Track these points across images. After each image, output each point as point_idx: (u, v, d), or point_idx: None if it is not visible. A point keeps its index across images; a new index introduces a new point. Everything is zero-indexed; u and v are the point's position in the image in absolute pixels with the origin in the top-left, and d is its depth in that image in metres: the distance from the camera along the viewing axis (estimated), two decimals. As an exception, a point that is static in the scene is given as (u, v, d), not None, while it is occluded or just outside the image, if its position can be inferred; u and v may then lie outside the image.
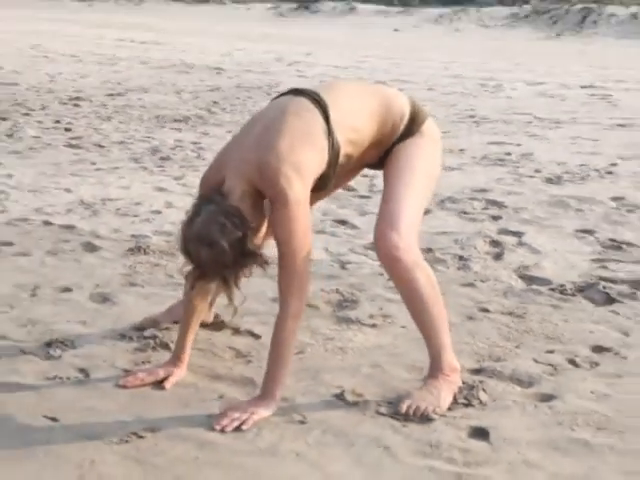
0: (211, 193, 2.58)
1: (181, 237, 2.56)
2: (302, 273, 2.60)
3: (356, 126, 2.70)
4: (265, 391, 2.65)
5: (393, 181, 2.75)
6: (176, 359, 2.89)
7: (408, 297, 2.76)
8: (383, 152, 2.82)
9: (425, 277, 2.71)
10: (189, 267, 2.63)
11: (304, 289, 2.64)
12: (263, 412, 2.60)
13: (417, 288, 2.70)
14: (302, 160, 2.56)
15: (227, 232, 2.48)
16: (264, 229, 2.69)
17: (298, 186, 2.54)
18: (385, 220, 2.69)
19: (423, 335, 2.82)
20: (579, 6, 35.14)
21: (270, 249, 2.73)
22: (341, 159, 2.69)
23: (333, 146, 2.64)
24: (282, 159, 2.52)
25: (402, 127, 2.78)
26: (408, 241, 2.67)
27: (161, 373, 2.84)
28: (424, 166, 2.78)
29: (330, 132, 2.63)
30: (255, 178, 2.56)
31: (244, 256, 2.53)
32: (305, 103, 2.66)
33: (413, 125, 2.79)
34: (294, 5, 43.01)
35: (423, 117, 2.83)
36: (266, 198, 2.60)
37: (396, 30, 34.57)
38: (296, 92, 2.74)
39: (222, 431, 2.51)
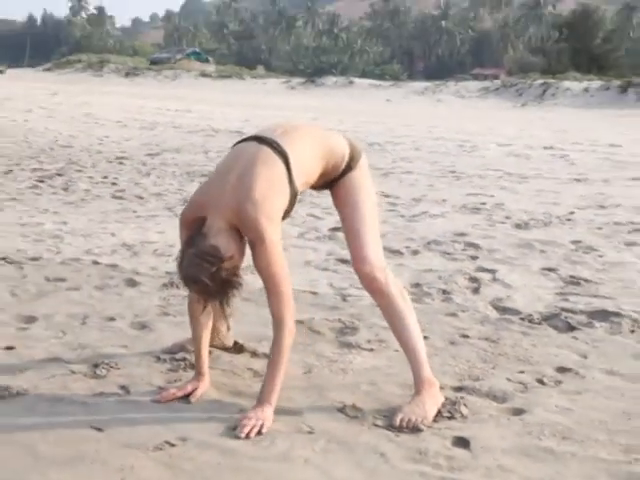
0: (193, 234, 2.66)
1: (178, 276, 2.69)
2: (287, 294, 2.66)
3: (308, 171, 2.78)
4: (263, 399, 2.65)
5: (348, 221, 2.88)
6: (198, 375, 2.88)
7: (387, 310, 2.85)
8: (324, 182, 2.90)
9: (397, 290, 2.85)
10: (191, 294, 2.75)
11: (292, 307, 2.68)
12: (269, 417, 2.60)
13: (392, 300, 2.83)
14: (273, 208, 2.64)
15: (204, 270, 2.56)
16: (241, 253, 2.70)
17: (272, 229, 2.62)
18: (356, 258, 2.84)
19: (404, 350, 2.85)
20: (540, 81, 35.44)
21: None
22: (298, 193, 2.77)
23: (292, 190, 2.71)
24: (258, 209, 2.59)
25: (343, 165, 2.87)
26: (377, 264, 2.82)
27: (189, 388, 2.83)
28: (366, 195, 2.90)
29: (291, 180, 2.70)
30: (234, 221, 2.62)
31: (223, 282, 2.60)
32: (270, 154, 2.70)
33: (352, 162, 2.88)
34: (302, 80, 43.41)
35: (358, 155, 2.92)
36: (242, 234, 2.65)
37: (388, 100, 34.82)
38: (259, 140, 2.76)
39: (247, 437, 2.50)
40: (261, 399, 2.65)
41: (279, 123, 2.94)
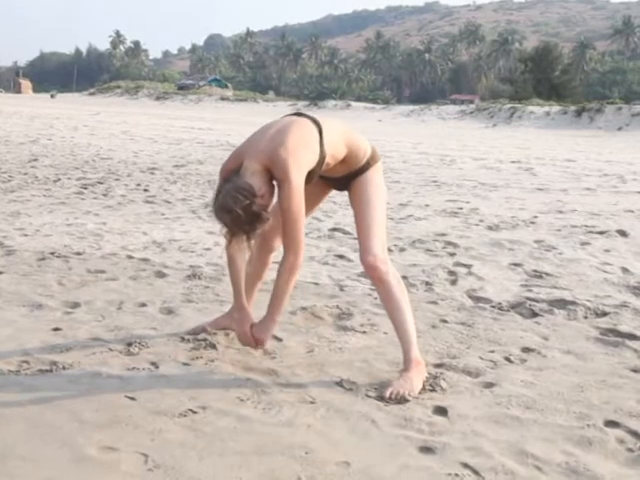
0: (230, 175, 2.64)
1: (212, 209, 2.64)
2: (299, 231, 2.64)
3: (336, 147, 2.77)
4: (267, 317, 2.74)
5: (360, 216, 2.84)
6: (239, 310, 2.86)
7: (385, 296, 2.81)
8: (347, 172, 2.86)
9: (396, 280, 2.81)
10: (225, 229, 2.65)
11: (299, 247, 2.65)
12: (269, 330, 2.74)
13: (390, 288, 2.78)
14: (302, 157, 2.63)
15: (239, 201, 2.53)
16: (273, 197, 2.69)
17: (298, 174, 2.60)
18: (363, 249, 2.79)
19: (396, 332, 2.82)
20: (508, 105, 35.41)
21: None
22: (325, 162, 2.75)
23: (322, 153, 2.70)
24: (289, 153, 2.59)
25: (365, 159, 2.85)
26: (381, 257, 2.77)
27: (229, 322, 3.04)
28: (378, 194, 2.87)
29: (321, 144, 2.69)
30: (268, 163, 2.61)
31: (254, 215, 2.56)
32: (307, 121, 2.74)
33: (371, 160, 2.88)
34: (307, 103, 43.37)
35: (378, 157, 2.93)
36: (273, 177, 2.63)
37: (380, 121, 34.79)
38: (299, 114, 2.82)
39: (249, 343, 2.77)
40: (266, 317, 2.74)
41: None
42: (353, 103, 43.49)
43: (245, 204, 2.53)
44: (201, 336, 3.17)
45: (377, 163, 2.89)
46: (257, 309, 3.36)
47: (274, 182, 2.65)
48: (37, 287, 3.94)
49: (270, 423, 2.40)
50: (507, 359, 3.05)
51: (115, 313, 3.54)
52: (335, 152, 2.76)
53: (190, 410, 2.46)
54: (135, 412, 2.44)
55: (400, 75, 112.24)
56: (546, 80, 46.79)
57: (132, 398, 2.54)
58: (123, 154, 12.52)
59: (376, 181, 2.87)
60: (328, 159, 2.74)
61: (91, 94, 56.54)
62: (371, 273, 2.79)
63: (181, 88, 60.62)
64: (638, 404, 2.60)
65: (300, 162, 2.61)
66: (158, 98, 49.95)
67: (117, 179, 9.06)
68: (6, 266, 4.40)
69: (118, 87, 56.79)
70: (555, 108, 33.67)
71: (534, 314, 3.73)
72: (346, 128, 2.88)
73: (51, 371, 2.76)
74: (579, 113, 31.74)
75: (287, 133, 2.65)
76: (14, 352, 2.94)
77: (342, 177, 2.90)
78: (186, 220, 6.34)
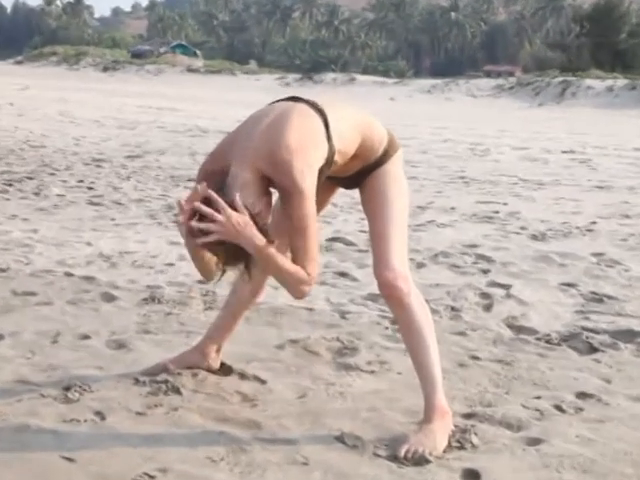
0: (212, 181, 2.55)
1: (188, 231, 2.55)
2: (312, 249, 2.59)
3: (346, 138, 2.74)
4: None
5: (376, 220, 2.83)
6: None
7: (404, 324, 2.80)
8: (360, 168, 2.85)
9: (419, 304, 2.80)
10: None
11: (314, 264, 2.60)
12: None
13: (413, 314, 2.77)
14: (310, 156, 2.59)
15: None
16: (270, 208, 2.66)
17: (309, 178, 2.57)
18: (380, 261, 2.78)
19: (417, 371, 2.81)
20: (559, 79, 35.56)
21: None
22: (335, 159, 2.72)
23: (331, 148, 2.67)
24: (293, 154, 2.54)
25: (381, 150, 2.83)
26: (402, 273, 2.77)
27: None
28: (398, 194, 2.87)
29: (329, 138, 2.66)
30: (264, 168, 2.56)
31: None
32: (307, 109, 2.69)
33: (389, 150, 2.85)
34: (299, 76, 43.54)
35: (397, 146, 2.90)
36: (271, 184, 2.60)
37: (392, 99, 34.92)
38: (296, 99, 2.76)
39: None
40: None
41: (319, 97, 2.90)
42: (358, 76, 43.69)
43: None
44: (161, 377, 3.16)
45: (397, 152, 2.89)
46: (227, 343, 3.35)
47: (272, 189, 2.62)
48: (-53, 314, 3.94)
49: (250, 491, 2.39)
50: (558, 407, 3.05)
51: (49, 348, 3.52)
52: (345, 147, 2.74)
53: (146, 474, 2.44)
54: (74, 478, 2.42)
55: (419, 40, 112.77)
56: (608, 45, 47.08)
57: (70, 459, 2.52)
58: (60, 141, 12.53)
59: (396, 175, 2.87)
60: (337, 156, 2.72)
61: (18, 62, 56.66)
62: (389, 293, 2.78)
63: (136, 56, 60.78)
64: None
65: (309, 162, 2.58)
66: (106, 69, 50.05)
67: (52, 174, 9.07)
68: None
69: (54, 54, 56.88)
70: (620, 82, 33.85)
71: (593, 349, 3.73)
72: (357, 112, 2.86)
73: (-35, 423, 2.75)
74: (651, 88, 31.92)
75: (285, 127, 2.60)
76: None
77: (353, 174, 2.89)
78: (142, 227, 6.35)
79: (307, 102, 2.73)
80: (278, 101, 2.82)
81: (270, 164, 2.56)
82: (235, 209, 2.46)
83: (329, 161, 2.68)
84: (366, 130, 2.80)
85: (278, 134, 2.58)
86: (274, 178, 2.58)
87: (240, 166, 2.57)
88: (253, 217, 2.50)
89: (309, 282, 2.60)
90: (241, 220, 2.46)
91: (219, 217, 2.45)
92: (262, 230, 2.52)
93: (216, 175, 2.60)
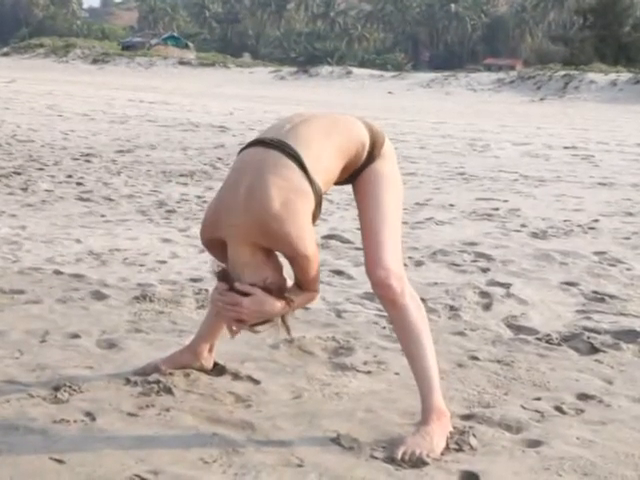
0: (213, 251, 2.79)
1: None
2: (316, 293, 2.83)
3: (327, 169, 2.74)
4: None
5: (367, 217, 2.83)
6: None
7: (399, 324, 2.81)
8: (347, 175, 2.87)
9: (414, 304, 2.81)
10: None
11: (318, 289, 2.83)
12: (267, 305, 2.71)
13: (407, 314, 2.78)
14: (299, 214, 2.60)
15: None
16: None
17: (307, 240, 2.62)
18: (372, 260, 2.78)
19: (414, 372, 2.82)
20: (561, 73, 35.59)
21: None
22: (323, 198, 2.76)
23: (316, 192, 2.68)
24: (283, 222, 2.56)
25: (365, 154, 2.83)
26: (396, 272, 2.76)
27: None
28: (390, 189, 2.86)
29: (311, 181, 2.66)
30: (261, 241, 2.62)
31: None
32: (279, 157, 2.66)
33: (374, 149, 2.85)
34: (294, 69, 43.52)
35: (382, 140, 2.88)
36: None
37: (390, 93, 34.92)
38: (264, 144, 2.72)
39: None
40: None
41: (286, 118, 2.89)
42: (355, 69, 43.67)
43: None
44: (153, 377, 3.18)
45: (382, 148, 2.87)
46: (220, 342, 3.37)
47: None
48: None
49: (244, 493, 2.40)
50: (558, 409, 3.07)
51: (37, 347, 3.53)
52: (328, 176, 2.76)
53: (137, 476, 2.45)
54: None
55: (417, 33, 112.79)
56: (612, 38, 47.13)
57: (60, 461, 2.53)
58: (49, 135, 12.52)
59: (386, 172, 2.87)
60: (324, 188, 2.75)
61: (5, 54, 56.55)
62: (382, 293, 2.79)
63: (126, 48, 60.68)
64: None
65: (302, 222, 2.61)
66: (95, 61, 49.98)
67: (41, 169, 9.07)
68: None
69: (41, 46, 56.77)
70: (624, 76, 33.90)
71: (594, 349, 3.75)
72: (333, 132, 2.80)
73: (-48, 424, 2.76)
74: (656, 83, 31.96)
75: (265, 193, 2.58)
76: None
77: (343, 181, 2.93)
78: (133, 223, 6.35)
79: (278, 147, 2.68)
80: (247, 147, 2.80)
81: (263, 236, 2.61)
82: (246, 293, 2.62)
83: (319, 203, 2.71)
84: (346, 148, 2.79)
85: (260, 202, 2.59)
86: (275, 249, 2.67)
87: (235, 246, 2.65)
88: (266, 289, 2.64)
89: (317, 296, 2.87)
90: (256, 302, 2.64)
91: (239, 312, 2.67)
92: (278, 294, 2.67)
93: (213, 243, 2.75)
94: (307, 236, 2.61)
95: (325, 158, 2.73)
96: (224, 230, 2.66)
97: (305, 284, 2.75)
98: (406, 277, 2.83)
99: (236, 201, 2.63)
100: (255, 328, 2.81)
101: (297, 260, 2.63)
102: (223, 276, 2.68)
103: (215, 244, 2.75)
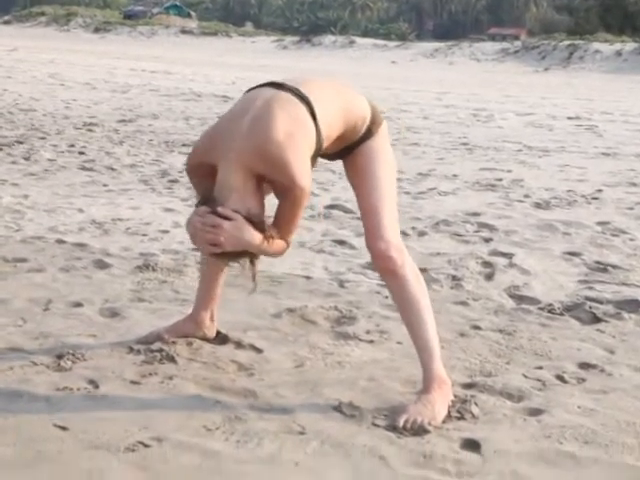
0: (199, 177, 2.71)
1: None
2: (294, 230, 2.73)
3: (331, 125, 2.74)
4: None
5: (364, 194, 2.85)
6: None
7: (399, 295, 2.82)
8: (344, 146, 2.86)
9: (413, 274, 2.82)
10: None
11: (291, 239, 2.77)
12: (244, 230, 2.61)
13: (407, 285, 2.80)
14: (303, 148, 2.60)
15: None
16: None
17: (307, 174, 2.59)
18: (372, 234, 2.80)
19: (414, 342, 2.84)
20: (566, 43, 35.38)
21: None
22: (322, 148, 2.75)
23: (319, 139, 2.67)
24: (284, 149, 2.54)
25: (364, 128, 2.84)
26: (395, 244, 2.79)
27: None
28: (386, 166, 2.88)
29: (317, 130, 2.66)
30: (257, 166, 2.57)
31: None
32: (291, 98, 2.66)
33: (372, 126, 2.85)
34: (297, 39, 43.28)
35: (380, 119, 2.90)
36: (264, 179, 2.63)
37: (393, 63, 34.75)
38: (277, 86, 2.72)
39: None
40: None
41: (295, 76, 2.90)
42: (358, 39, 43.40)
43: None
44: (155, 346, 3.19)
45: (380, 127, 2.89)
46: (223, 311, 3.38)
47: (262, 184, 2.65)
48: (-64, 281, 3.95)
49: (246, 460, 2.41)
50: (560, 378, 3.08)
51: (40, 316, 3.54)
52: (330, 132, 2.75)
53: (140, 443, 2.47)
54: (67, 446, 2.44)
55: (421, 2, 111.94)
56: (617, 8, 46.74)
57: (63, 428, 2.55)
58: (51, 104, 12.48)
59: (381, 149, 2.89)
60: (325, 143, 2.73)
61: (6, 22, 56.26)
62: (382, 265, 2.81)
63: (128, 17, 60.35)
64: None
65: (303, 156, 2.59)
66: (97, 30, 49.74)
67: (43, 138, 9.05)
68: None
69: (42, 14, 56.48)
70: (629, 45, 33.70)
71: (596, 319, 3.76)
72: (341, 95, 2.84)
73: (-44, 391, 2.77)
74: (661, 53, 31.77)
75: (271, 119, 2.58)
76: None
77: (335, 152, 2.91)
78: (135, 193, 6.35)
79: (290, 90, 2.68)
80: (257, 87, 2.79)
81: (262, 162, 2.56)
82: (228, 218, 2.53)
83: (317, 151, 2.70)
84: (349, 114, 2.79)
85: (265, 129, 2.56)
86: (270, 176, 2.60)
87: (228, 168, 2.58)
88: (248, 218, 2.56)
89: (286, 249, 2.76)
90: (237, 227, 2.54)
91: (217, 234, 2.54)
92: (258, 226, 2.59)
93: (202, 169, 2.68)
94: (305, 169, 2.59)
95: (331, 114, 2.72)
96: (220, 153, 2.61)
97: (285, 225, 2.66)
98: (405, 248, 2.84)
99: (239, 127, 2.61)
100: (227, 259, 2.73)
101: (292, 190, 2.56)
102: (206, 199, 2.61)
103: (201, 170, 2.69)
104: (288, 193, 2.59)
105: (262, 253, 2.70)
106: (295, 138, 2.57)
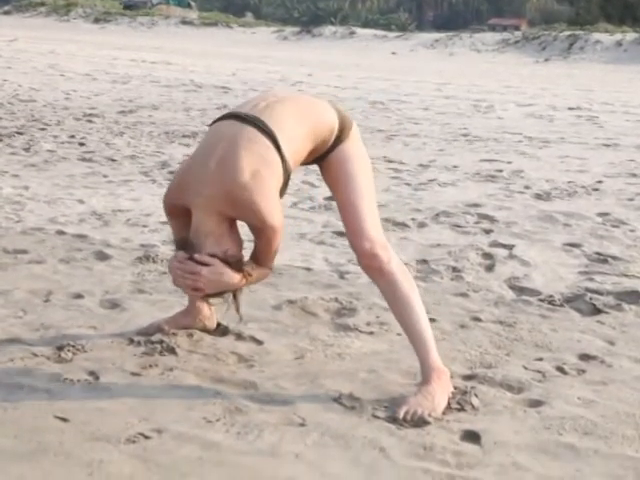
0: (181, 242, 2.75)
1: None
2: (275, 255, 2.82)
3: (297, 150, 2.78)
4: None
5: (343, 195, 2.88)
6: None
7: (389, 292, 2.86)
8: (314, 157, 2.91)
9: (401, 270, 2.85)
10: None
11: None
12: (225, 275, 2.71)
13: (395, 281, 2.82)
14: (270, 187, 2.65)
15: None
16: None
17: (277, 212, 2.67)
18: (355, 233, 2.84)
19: (408, 336, 2.86)
20: (566, 33, 35.27)
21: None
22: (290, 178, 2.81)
23: (286, 170, 2.73)
24: (251, 191, 2.60)
25: (333, 138, 2.87)
26: (379, 240, 2.83)
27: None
28: (361, 165, 2.91)
29: (283, 159, 2.70)
30: (227, 211, 2.66)
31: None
32: (255, 134, 2.69)
33: (342, 133, 2.88)
34: (297, 29, 43.18)
35: (349, 124, 2.92)
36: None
37: (393, 53, 34.65)
38: (239, 118, 2.75)
39: None
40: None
41: (260, 96, 2.94)
42: (358, 30, 43.25)
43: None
44: (156, 337, 3.19)
45: (351, 130, 2.92)
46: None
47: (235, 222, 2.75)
48: (-63, 272, 3.95)
49: (246, 452, 2.41)
50: (560, 369, 3.08)
51: (41, 307, 3.54)
52: (297, 157, 2.81)
53: (141, 434, 2.47)
54: (67, 438, 2.45)
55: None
56: (618, -3, 46.58)
57: (63, 419, 2.55)
58: (51, 95, 12.46)
59: (354, 151, 2.91)
60: (293, 168, 2.79)
61: (6, 13, 56.09)
62: (369, 263, 2.84)
63: (128, 7, 60.10)
64: None
65: (270, 195, 2.65)
66: (97, 20, 49.61)
67: (43, 129, 9.03)
68: None
69: (42, 4, 56.29)
70: (629, 36, 33.57)
71: (596, 310, 3.76)
72: (305, 116, 2.83)
73: (-44, 383, 2.77)
74: (662, 43, 31.69)
75: (236, 163, 2.63)
76: None
77: (308, 162, 2.96)
78: (136, 184, 6.34)
79: (253, 124, 2.71)
80: (221, 119, 2.82)
81: (232, 207, 2.64)
82: (205, 264, 2.64)
83: (286, 180, 2.75)
84: (316, 131, 2.82)
85: (230, 172, 2.62)
86: (241, 219, 2.70)
87: (202, 215, 2.67)
88: (224, 260, 2.66)
89: (270, 273, 2.89)
90: (215, 272, 2.65)
91: (196, 280, 2.67)
92: (236, 267, 2.70)
93: (178, 209, 2.76)
94: (275, 208, 2.66)
95: (296, 140, 2.77)
96: (191, 199, 2.68)
97: (264, 258, 2.77)
98: (390, 246, 2.87)
99: (206, 172, 2.66)
100: (210, 298, 2.88)
101: (263, 231, 2.66)
102: (183, 245, 2.71)
103: (177, 211, 2.78)
104: (260, 234, 2.69)
105: (243, 286, 2.81)
106: (262, 176, 2.63)
